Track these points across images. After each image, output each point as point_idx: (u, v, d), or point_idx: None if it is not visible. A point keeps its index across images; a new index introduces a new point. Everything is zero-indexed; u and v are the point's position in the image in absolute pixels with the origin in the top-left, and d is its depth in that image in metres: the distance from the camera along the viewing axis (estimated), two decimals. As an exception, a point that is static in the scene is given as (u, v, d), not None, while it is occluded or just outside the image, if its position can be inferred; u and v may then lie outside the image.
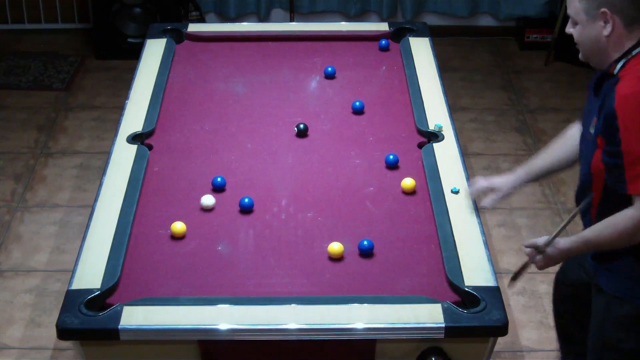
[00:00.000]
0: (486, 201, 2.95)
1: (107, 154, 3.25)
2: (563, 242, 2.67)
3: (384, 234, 2.86)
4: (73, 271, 2.67)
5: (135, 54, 4.09)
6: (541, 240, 2.70)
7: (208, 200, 2.99)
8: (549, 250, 2.68)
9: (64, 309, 2.51)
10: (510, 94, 5.62)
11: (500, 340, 2.57)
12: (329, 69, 3.78)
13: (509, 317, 2.52)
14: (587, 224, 2.73)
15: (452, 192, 2.98)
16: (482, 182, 2.96)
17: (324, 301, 2.56)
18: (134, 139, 3.29)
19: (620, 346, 2.76)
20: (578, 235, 2.67)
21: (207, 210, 2.97)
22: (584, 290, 2.89)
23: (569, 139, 2.91)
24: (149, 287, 2.65)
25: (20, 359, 3.70)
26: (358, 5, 6.18)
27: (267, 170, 3.19)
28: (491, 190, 2.95)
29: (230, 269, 2.74)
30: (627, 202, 2.55)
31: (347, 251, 2.78)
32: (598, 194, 2.65)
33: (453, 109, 3.62)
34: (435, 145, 3.25)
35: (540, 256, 2.70)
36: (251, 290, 2.65)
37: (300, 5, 6.17)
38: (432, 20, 6.13)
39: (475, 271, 2.66)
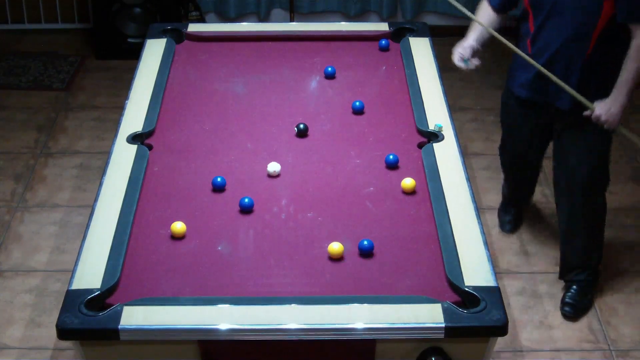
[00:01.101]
0: (474, 61, 3.49)
1: (107, 154, 3.25)
2: (613, 95, 3.22)
3: (384, 234, 2.86)
4: (73, 271, 2.67)
5: (135, 54, 4.09)
6: (588, 111, 3.28)
7: (274, 166, 3.10)
8: (605, 108, 3.24)
9: (64, 309, 2.51)
10: (510, 94, 5.61)
11: (500, 340, 2.57)
12: (329, 69, 3.78)
13: (509, 317, 2.52)
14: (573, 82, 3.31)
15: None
16: (458, 54, 3.49)
17: (324, 301, 2.56)
18: (134, 139, 3.29)
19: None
20: (618, 84, 3.24)
21: (274, 176, 3.12)
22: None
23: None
24: (149, 287, 2.65)
25: (20, 359, 3.70)
26: (358, 5, 6.17)
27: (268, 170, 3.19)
28: (466, 50, 3.50)
29: (230, 269, 2.74)
30: (621, 42, 3.17)
31: (347, 251, 2.78)
32: (593, 44, 3.26)
33: (453, 109, 3.62)
34: (435, 145, 3.25)
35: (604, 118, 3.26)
36: (251, 290, 2.65)
37: (300, 5, 6.17)
38: (432, 20, 6.12)
39: (475, 271, 2.66)
